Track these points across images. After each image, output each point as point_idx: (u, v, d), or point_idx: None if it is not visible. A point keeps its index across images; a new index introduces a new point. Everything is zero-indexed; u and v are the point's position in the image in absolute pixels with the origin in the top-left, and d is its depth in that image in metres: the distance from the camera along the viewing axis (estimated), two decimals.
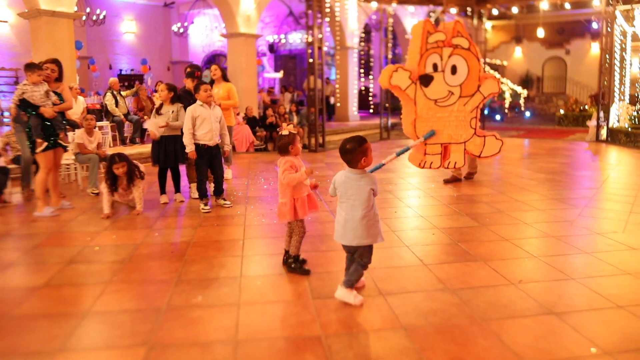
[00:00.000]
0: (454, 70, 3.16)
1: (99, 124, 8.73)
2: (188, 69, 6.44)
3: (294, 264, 3.69)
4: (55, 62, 5.58)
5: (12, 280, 3.64)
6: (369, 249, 3.15)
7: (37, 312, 3.06)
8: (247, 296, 3.26)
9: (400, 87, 3.24)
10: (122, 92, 10.87)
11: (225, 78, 7.14)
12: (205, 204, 5.54)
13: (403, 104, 3.34)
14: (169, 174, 6.04)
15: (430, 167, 3.46)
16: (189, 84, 6.25)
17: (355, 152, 3.03)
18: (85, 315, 2.99)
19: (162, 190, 6.01)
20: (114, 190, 5.38)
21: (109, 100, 10.31)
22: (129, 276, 3.67)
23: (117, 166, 5.33)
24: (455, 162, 3.38)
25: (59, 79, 5.61)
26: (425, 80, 3.17)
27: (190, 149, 5.40)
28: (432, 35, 3.14)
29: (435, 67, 3.16)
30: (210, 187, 6.03)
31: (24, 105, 5.18)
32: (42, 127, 5.24)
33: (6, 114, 15.53)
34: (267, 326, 2.86)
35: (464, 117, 3.25)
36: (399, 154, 3.43)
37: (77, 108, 9.06)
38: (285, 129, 3.59)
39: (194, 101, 5.63)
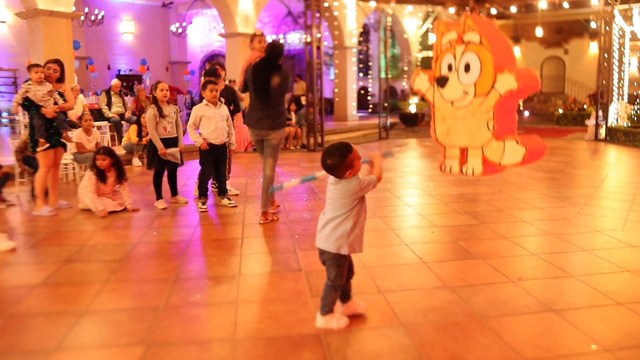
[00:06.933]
0: (467, 68, 2.91)
1: (97, 123, 8.72)
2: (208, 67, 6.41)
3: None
4: (57, 62, 5.58)
5: (9, 278, 3.63)
6: (334, 262, 2.76)
7: (35, 311, 3.04)
8: (245, 294, 3.25)
9: (421, 90, 3.25)
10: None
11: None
12: (204, 203, 5.52)
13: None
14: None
15: (450, 172, 3.17)
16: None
17: (339, 169, 2.66)
18: (82, 314, 2.98)
19: (159, 195, 5.70)
20: (102, 181, 5.39)
21: (102, 100, 10.40)
22: (127, 275, 3.65)
23: (100, 157, 5.40)
24: (474, 169, 3.01)
25: (61, 79, 5.61)
26: (441, 82, 3.09)
27: (199, 141, 5.41)
28: (445, 36, 3.06)
29: (450, 67, 3.02)
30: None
31: (28, 104, 5.19)
32: (46, 127, 5.27)
33: (4, 114, 15.50)
34: (265, 324, 2.84)
35: (480, 119, 2.90)
36: (303, 181, 3.01)
37: (77, 108, 9.04)
38: None
39: None
